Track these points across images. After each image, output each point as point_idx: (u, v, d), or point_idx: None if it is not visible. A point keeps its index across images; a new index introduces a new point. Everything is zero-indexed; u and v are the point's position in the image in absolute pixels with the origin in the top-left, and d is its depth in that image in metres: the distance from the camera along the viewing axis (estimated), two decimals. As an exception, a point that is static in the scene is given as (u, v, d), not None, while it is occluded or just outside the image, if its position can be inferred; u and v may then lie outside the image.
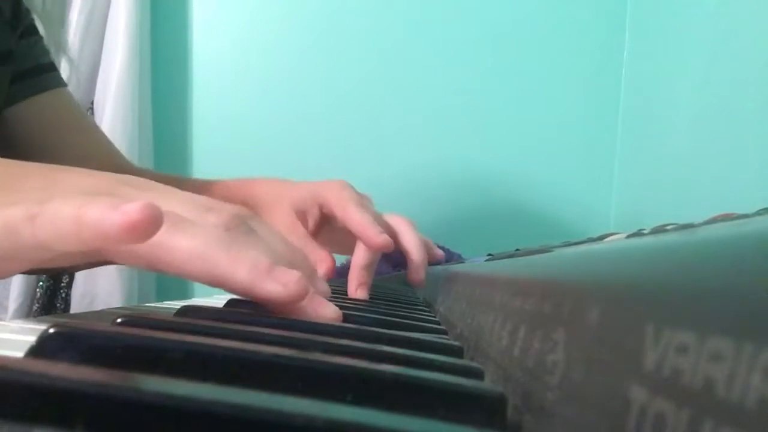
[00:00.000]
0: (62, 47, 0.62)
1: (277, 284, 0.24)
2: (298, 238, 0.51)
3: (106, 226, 0.20)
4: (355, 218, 0.47)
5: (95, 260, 0.25)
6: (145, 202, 0.20)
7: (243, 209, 0.29)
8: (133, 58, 1.05)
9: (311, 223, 0.54)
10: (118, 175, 0.28)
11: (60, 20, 0.60)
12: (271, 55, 1.17)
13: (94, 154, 0.65)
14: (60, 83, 0.63)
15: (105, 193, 0.25)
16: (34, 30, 0.60)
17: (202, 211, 0.27)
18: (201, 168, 1.16)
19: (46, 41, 0.60)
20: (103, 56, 1.07)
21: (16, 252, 0.23)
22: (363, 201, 0.50)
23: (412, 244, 0.51)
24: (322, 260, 0.49)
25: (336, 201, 0.50)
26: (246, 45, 1.18)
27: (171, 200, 0.27)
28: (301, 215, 0.54)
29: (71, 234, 0.21)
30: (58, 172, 0.28)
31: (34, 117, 0.61)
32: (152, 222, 0.20)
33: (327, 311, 0.26)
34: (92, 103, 1.07)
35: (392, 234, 0.50)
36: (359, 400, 0.14)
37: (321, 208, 0.53)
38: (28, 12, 0.59)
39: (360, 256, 0.46)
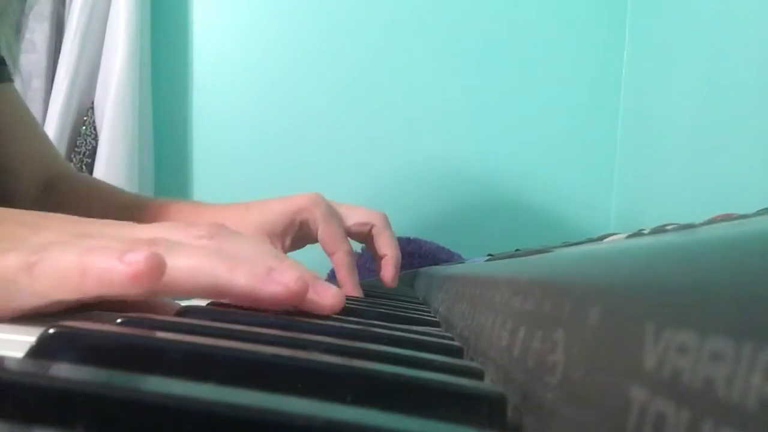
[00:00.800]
0: (11, 48, 0.60)
1: (277, 285, 0.25)
2: None
3: (113, 277, 0.21)
4: (341, 262, 0.50)
5: (90, 302, 0.25)
6: (149, 251, 0.21)
7: (215, 224, 0.29)
8: (133, 58, 1.05)
9: (288, 242, 0.53)
10: (98, 224, 0.28)
11: (13, 22, 0.58)
12: (271, 55, 1.17)
13: (37, 151, 0.62)
14: (8, 78, 0.60)
15: (94, 237, 0.25)
16: None
17: (183, 229, 0.28)
18: (201, 168, 1.16)
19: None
20: (103, 56, 1.07)
21: (10, 302, 0.23)
22: (335, 214, 0.52)
23: (386, 243, 0.53)
24: None
25: (317, 219, 0.52)
26: (246, 45, 1.18)
27: (152, 229, 0.28)
28: (275, 237, 0.52)
29: (73, 283, 0.21)
30: (39, 217, 0.28)
31: None
32: (156, 270, 0.21)
33: (330, 294, 0.27)
34: (92, 103, 1.07)
35: (368, 232, 0.53)
36: (359, 400, 0.14)
37: (302, 225, 0.53)
38: None
39: (343, 260, 0.49)
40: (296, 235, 0.53)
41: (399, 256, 0.54)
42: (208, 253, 0.25)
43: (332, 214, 0.52)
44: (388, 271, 0.53)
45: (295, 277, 0.25)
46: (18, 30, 0.60)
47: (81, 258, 0.21)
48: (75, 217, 0.28)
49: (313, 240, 0.53)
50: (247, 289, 0.25)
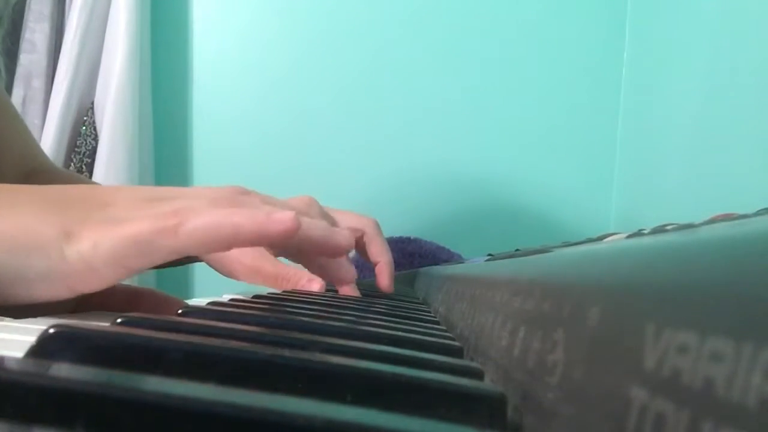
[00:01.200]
0: None
1: (278, 224, 0.28)
2: (272, 264, 0.49)
3: (270, 231, 0.27)
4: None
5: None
6: (291, 213, 0.27)
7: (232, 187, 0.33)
8: (133, 58, 1.05)
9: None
10: (153, 190, 0.31)
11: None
12: (271, 55, 1.17)
13: (17, 143, 0.61)
14: None
15: (169, 198, 0.29)
16: None
17: (221, 189, 0.31)
18: (201, 167, 1.16)
19: None
20: (103, 56, 1.07)
21: (138, 262, 0.26)
22: (328, 216, 0.52)
23: (379, 251, 0.54)
24: (310, 279, 0.48)
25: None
26: (246, 45, 1.18)
27: (216, 191, 0.31)
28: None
29: (221, 240, 0.26)
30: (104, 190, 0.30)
31: None
32: (297, 228, 0.27)
33: (342, 236, 0.33)
34: (92, 103, 1.07)
35: (359, 239, 0.54)
36: (359, 400, 0.14)
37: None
38: None
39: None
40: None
41: (392, 261, 0.55)
42: (217, 211, 0.28)
43: (325, 215, 0.52)
44: (384, 279, 0.53)
45: (290, 215, 0.28)
46: (15, 28, 0.60)
47: (228, 217, 0.26)
48: (126, 187, 0.30)
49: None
50: (254, 231, 0.28)
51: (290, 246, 0.35)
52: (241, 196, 0.31)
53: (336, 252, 0.34)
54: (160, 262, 0.27)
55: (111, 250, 0.25)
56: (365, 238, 0.55)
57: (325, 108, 1.16)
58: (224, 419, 0.11)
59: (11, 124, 0.64)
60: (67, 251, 0.25)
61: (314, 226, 0.33)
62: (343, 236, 0.34)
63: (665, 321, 0.10)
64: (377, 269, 0.54)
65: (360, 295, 0.46)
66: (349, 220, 0.54)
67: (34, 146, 0.67)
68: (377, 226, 0.56)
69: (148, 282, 1.08)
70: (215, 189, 0.31)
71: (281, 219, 0.27)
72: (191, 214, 0.26)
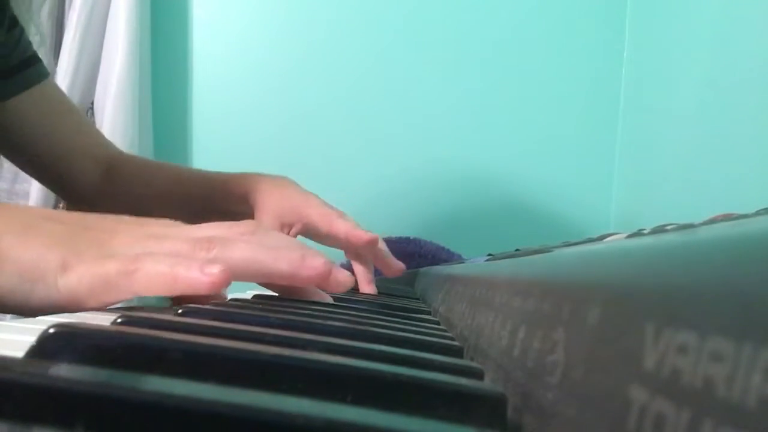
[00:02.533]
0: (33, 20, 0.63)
1: (311, 269, 0.33)
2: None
3: (197, 285, 0.28)
4: (341, 228, 0.56)
5: None
6: (223, 267, 0.29)
7: (252, 222, 0.38)
8: (133, 58, 1.05)
9: (292, 233, 0.59)
10: (160, 225, 0.34)
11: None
12: (272, 55, 1.17)
13: (86, 139, 0.68)
14: (46, 73, 0.65)
15: (162, 237, 0.32)
16: (16, 21, 0.60)
17: (230, 227, 0.35)
18: (201, 167, 1.16)
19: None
20: (103, 56, 1.07)
21: (107, 298, 0.29)
22: (341, 214, 0.58)
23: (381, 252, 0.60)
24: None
25: (319, 217, 0.57)
26: (246, 45, 1.18)
27: (208, 229, 0.35)
28: (283, 226, 0.59)
29: (166, 288, 0.29)
30: (112, 221, 0.34)
31: (30, 109, 0.62)
32: (228, 280, 0.29)
33: (342, 276, 0.37)
34: (92, 103, 1.07)
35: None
36: (359, 400, 0.14)
37: (305, 224, 0.58)
38: (7, 3, 0.58)
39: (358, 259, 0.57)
40: (299, 231, 0.60)
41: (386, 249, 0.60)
42: (255, 247, 0.33)
43: (336, 213, 0.58)
44: (390, 266, 0.59)
45: (322, 262, 0.34)
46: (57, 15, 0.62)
47: (172, 269, 0.28)
48: (141, 219, 0.35)
49: (323, 237, 0.59)
50: (288, 274, 0.33)
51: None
52: (223, 240, 0.33)
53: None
54: (122, 298, 0.29)
55: (88, 285, 0.29)
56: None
57: (325, 108, 1.16)
58: (224, 419, 0.11)
59: (83, 123, 0.70)
60: (60, 282, 0.29)
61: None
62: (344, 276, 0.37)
63: (665, 321, 0.10)
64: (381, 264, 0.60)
65: (376, 292, 0.52)
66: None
67: (104, 139, 0.73)
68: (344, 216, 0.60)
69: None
70: (208, 227, 0.35)
71: (208, 278, 0.29)
72: (149, 261, 0.29)
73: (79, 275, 0.29)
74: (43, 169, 0.67)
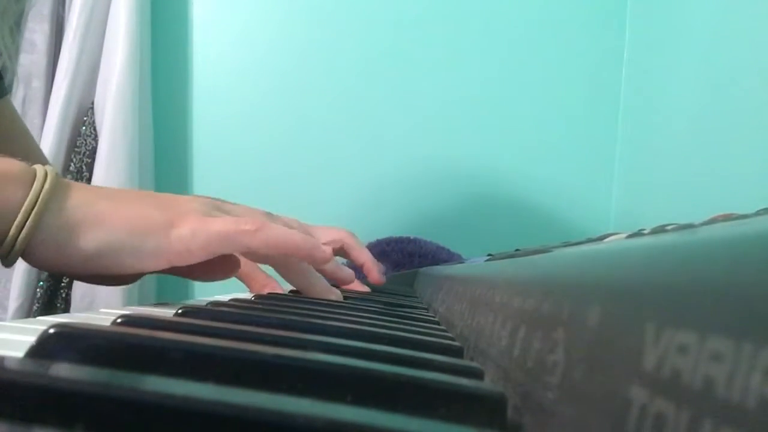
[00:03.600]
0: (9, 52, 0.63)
1: (323, 252, 0.40)
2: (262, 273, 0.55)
3: (317, 256, 0.39)
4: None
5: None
6: (330, 248, 0.40)
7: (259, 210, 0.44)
8: (133, 58, 1.05)
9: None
10: (216, 201, 0.40)
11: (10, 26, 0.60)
12: (272, 55, 1.17)
13: (36, 162, 0.66)
14: (6, 91, 0.63)
15: (229, 211, 0.39)
16: None
17: (258, 211, 0.42)
18: (201, 168, 1.16)
19: None
20: (103, 56, 1.07)
21: (222, 250, 0.35)
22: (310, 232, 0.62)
23: (359, 254, 0.64)
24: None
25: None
26: (246, 45, 1.18)
27: (255, 212, 0.42)
28: None
29: (282, 249, 0.37)
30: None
31: None
32: (329, 257, 0.40)
33: (345, 273, 0.46)
34: (92, 103, 1.07)
35: (339, 248, 0.64)
36: (359, 400, 0.14)
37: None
38: None
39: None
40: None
41: (373, 258, 0.64)
42: (285, 227, 0.39)
43: (306, 233, 0.59)
44: (373, 275, 0.62)
45: (329, 248, 0.41)
46: (18, 31, 0.61)
47: (292, 236, 0.37)
48: (201, 197, 0.39)
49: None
50: (306, 252, 0.39)
51: (276, 257, 0.43)
52: (273, 218, 0.41)
53: (316, 261, 0.41)
54: (237, 250, 0.37)
55: (205, 238, 0.34)
56: (345, 248, 0.64)
57: (324, 108, 1.16)
58: (224, 419, 0.11)
59: (29, 145, 0.70)
60: (172, 235, 0.33)
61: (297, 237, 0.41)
62: (322, 250, 0.41)
63: (665, 321, 0.10)
64: (364, 269, 0.63)
65: (369, 290, 0.53)
66: (328, 234, 0.63)
67: (47, 163, 0.70)
68: (353, 236, 0.65)
69: (149, 282, 1.08)
70: (249, 209, 0.42)
71: (325, 250, 0.39)
72: (266, 226, 0.36)
73: (192, 230, 0.34)
74: None
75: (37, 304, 1.01)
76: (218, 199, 0.40)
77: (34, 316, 0.47)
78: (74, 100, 1.05)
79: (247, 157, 1.16)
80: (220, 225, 0.34)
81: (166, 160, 1.15)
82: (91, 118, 1.06)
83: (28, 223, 0.30)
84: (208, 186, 1.16)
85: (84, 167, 1.05)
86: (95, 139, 1.05)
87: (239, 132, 1.16)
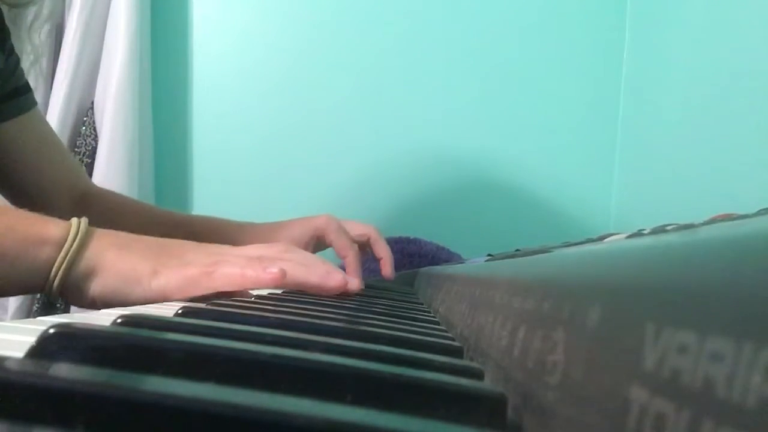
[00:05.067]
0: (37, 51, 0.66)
1: (334, 282, 0.44)
2: None
3: (262, 280, 0.40)
4: (345, 247, 0.68)
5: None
6: (279, 268, 0.41)
7: (284, 243, 0.51)
8: (133, 58, 1.05)
9: (310, 249, 0.69)
10: (214, 247, 0.46)
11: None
12: (272, 54, 1.17)
13: (65, 171, 0.71)
14: (35, 103, 0.67)
15: (226, 255, 0.43)
16: (13, 50, 0.63)
17: (271, 248, 0.47)
18: (201, 168, 1.16)
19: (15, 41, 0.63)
20: (103, 56, 1.07)
21: (191, 292, 0.40)
22: (343, 229, 0.69)
23: (381, 248, 0.72)
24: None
25: (333, 234, 0.68)
26: (246, 45, 1.18)
27: (254, 249, 0.46)
28: (302, 246, 0.68)
29: (237, 284, 0.40)
30: (179, 246, 0.45)
31: (17, 136, 0.64)
32: (283, 278, 0.41)
33: (357, 284, 0.47)
34: (92, 103, 1.07)
35: (366, 241, 0.72)
36: (359, 400, 0.14)
37: (318, 238, 0.69)
38: (9, 31, 0.61)
39: (352, 261, 0.68)
40: (315, 244, 0.69)
41: (392, 256, 0.73)
42: (293, 264, 0.44)
43: (341, 228, 0.68)
44: (387, 269, 0.71)
45: (341, 276, 0.45)
46: (35, 38, 0.64)
47: (242, 270, 0.41)
48: (197, 243, 0.45)
49: (325, 247, 0.70)
50: (317, 283, 0.44)
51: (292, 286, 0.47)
52: (268, 258, 0.45)
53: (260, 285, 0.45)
54: (204, 292, 0.40)
55: (176, 283, 0.40)
56: (370, 241, 0.72)
57: (325, 108, 1.16)
58: (224, 419, 0.11)
59: (60, 154, 0.72)
60: (153, 284, 0.40)
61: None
62: (326, 279, 0.46)
63: (665, 321, 0.10)
64: (381, 263, 0.72)
65: (363, 285, 0.57)
66: (358, 228, 0.71)
67: (78, 170, 0.77)
68: (378, 231, 0.73)
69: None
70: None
71: (270, 275, 0.41)
72: (221, 265, 0.41)
73: (167, 278, 0.40)
74: (20, 194, 0.67)
75: (37, 304, 1.01)
76: (222, 248, 0.46)
77: (34, 316, 0.48)
78: (74, 100, 1.05)
79: (247, 156, 1.16)
80: (189, 271, 0.40)
81: (166, 160, 1.15)
82: (91, 118, 1.06)
83: (59, 274, 0.39)
84: (207, 185, 1.16)
85: (84, 167, 1.05)
86: (95, 139, 1.05)
87: (239, 132, 1.16)
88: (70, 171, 0.72)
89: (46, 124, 0.71)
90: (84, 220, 0.41)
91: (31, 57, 0.65)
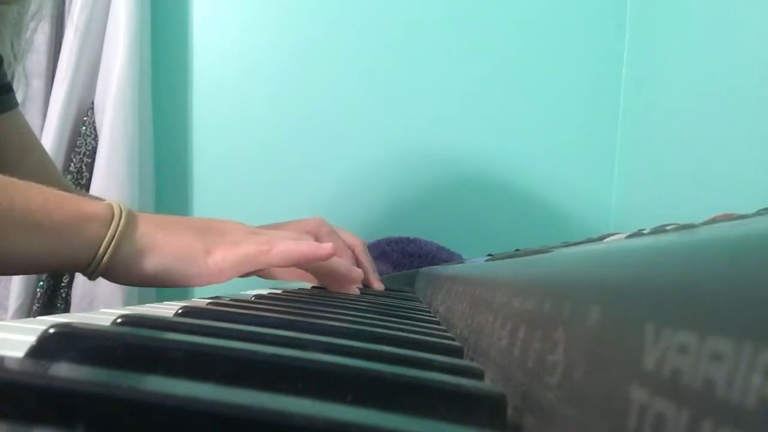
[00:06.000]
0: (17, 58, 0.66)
1: (324, 249, 0.47)
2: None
3: (319, 253, 0.46)
4: (339, 248, 0.68)
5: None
6: (330, 244, 0.48)
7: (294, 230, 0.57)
8: (133, 58, 1.05)
9: None
10: (248, 226, 0.49)
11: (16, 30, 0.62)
12: (272, 54, 1.17)
13: (43, 171, 0.70)
14: (16, 103, 0.67)
15: (268, 234, 0.48)
16: None
17: (297, 230, 0.54)
18: (201, 167, 1.16)
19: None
20: (103, 56, 1.07)
21: (248, 269, 0.44)
22: (335, 232, 0.70)
23: (365, 263, 0.70)
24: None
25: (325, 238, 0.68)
26: (246, 44, 1.18)
27: (287, 230, 0.52)
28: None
29: (293, 259, 0.46)
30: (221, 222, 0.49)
31: (2, 134, 0.64)
32: (335, 251, 0.48)
33: (354, 274, 0.54)
34: (92, 103, 1.07)
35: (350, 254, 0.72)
36: (359, 400, 0.14)
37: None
38: None
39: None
40: None
41: (376, 270, 0.72)
42: (300, 240, 0.49)
43: (333, 231, 0.68)
44: (374, 283, 0.69)
45: (330, 245, 0.48)
46: (19, 37, 0.63)
47: (297, 246, 0.46)
48: (232, 221, 0.48)
49: None
50: (311, 253, 0.47)
51: (321, 271, 0.52)
52: (303, 234, 0.52)
53: (322, 258, 0.49)
54: (259, 269, 0.45)
55: (233, 261, 0.43)
56: (355, 252, 0.72)
57: (325, 107, 1.16)
58: (224, 419, 0.11)
59: (40, 156, 0.73)
60: (209, 261, 0.43)
61: (340, 264, 0.53)
62: (351, 270, 0.52)
63: (665, 321, 0.10)
64: (368, 280, 0.70)
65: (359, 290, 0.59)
66: (347, 237, 0.70)
67: (57, 173, 0.76)
68: (365, 245, 0.72)
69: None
70: (294, 225, 0.56)
71: (326, 248, 0.47)
72: (277, 243, 0.45)
73: (223, 255, 0.43)
74: None
75: (37, 304, 1.01)
76: (258, 227, 0.50)
77: (34, 316, 0.48)
78: (74, 100, 1.05)
79: (247, 157, 1.16)
80: (244, 249, 0.44)
81: (166, 159, 1.15)
82: (91, 118, 1.06)
83: (109, 251, 0.40)
84: (207, 185, 1.16)
85: (84, 167, 1.05)
86: (95, 139, 1.05)
87: (239, 132, 1.16)
88: (51, 175, 0.71)
89: (28, 126, 0.70)
90: (123, 202, 0.42)
91: (16, 55, 0.65)
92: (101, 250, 0.40)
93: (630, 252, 0.13)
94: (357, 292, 0.56)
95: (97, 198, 0.66)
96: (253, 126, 1.16)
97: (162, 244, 0.42)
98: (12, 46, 0.63)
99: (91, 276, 0.41)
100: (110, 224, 0.40)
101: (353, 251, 0.70)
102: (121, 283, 0.43)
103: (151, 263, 0.41)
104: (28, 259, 0.38)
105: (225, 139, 1.16)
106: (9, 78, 0.65)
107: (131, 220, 0.41)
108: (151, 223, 0.43)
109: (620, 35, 1.14)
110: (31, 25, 0.71)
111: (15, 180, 0.38)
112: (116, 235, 0.40)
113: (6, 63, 0.64)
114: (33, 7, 0.63)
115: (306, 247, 0.45)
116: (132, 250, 0.41)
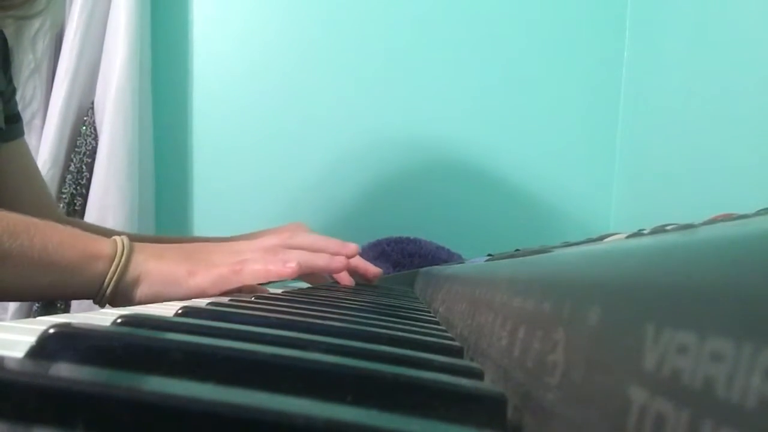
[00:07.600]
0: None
1: (338, 263, 0.56)
2: None
3: (283, 273, 0.50)
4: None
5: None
6: (296, 261, 0.51)
7: (286, 231, 0.61)
8: (133, 58, 1.05)
9: None
10: (232, 245, 0.54)
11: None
12: (272, 54, 1.17)
13: (39, 201, 0.72)
14: (22, 132, 0.69)
15: (246, 252, 0.52)
16: (12, 80, 0.65)
17: (278, 237, 0.55)
18: (201, 167, 1.16)
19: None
20: (103, 56, 1.07)
21: (221, 288, 0.48)
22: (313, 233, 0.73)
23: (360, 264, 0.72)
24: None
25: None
26: (246, 45, 1.18)
27: (270, 240, 0.54)
28: None
29: (262, 278, 0.49)
30: (203, 247, 0.54)
31: (6, 161, 0.66)
32: (300, 271, 0.51)
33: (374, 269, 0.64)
34: (92, 103, 1.07)
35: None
36: (359, 400, 0.14)
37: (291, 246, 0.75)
38: (11, 60, 0.64)
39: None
40: None
41: (352, 281, 0.70)
42: (300, 252, 0.54)
43: (314, 234, 0.69)
44: (370, 271, 0.68)
45: (343, 258, 0.56)
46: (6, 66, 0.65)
47: (265, 266, 0.50)
48: (217, 243, 0.56)
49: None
50: (324, 267, 0.56)
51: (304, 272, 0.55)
52: (281, 248, 0.53)
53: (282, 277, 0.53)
54: (234, 287, 0.48)
55: (211, 281, 0.48)
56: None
57: (326, 107, 1.16)
58: (224, 419, 0.11)
59: (39, 185, 0.75)
60: (191, 282, 0.48)
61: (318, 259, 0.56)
62: (332, 260, 0.56)
63: (665, 321, 0.10)
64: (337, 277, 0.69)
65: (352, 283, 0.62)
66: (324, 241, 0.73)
67: (53, 201, 0.79)
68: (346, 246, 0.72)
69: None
70: (263, 241, 0.54)
71: (290, 270, 0.51)
72: (247, 264, 0.49)
73: (202, 277, 0.48)
74: None
75: (37, 304, 1.01)
76: (240, 245, 0.54)
77: (34, 316, 0.48)
78: (74, 100, 1.05)
79: (247, 157, 1.16)
80: (218, 270, 0.48)
81: (165, 159, 1.15)
82: (91, 118, 1.06)
83: (111, 285, 0.46)
84: (207, 185, 1.16)
85: (84, 167, 1.05)
86: (95, 138, 1.05)
87: (239, 131, 1.16)
88: (49, 205, 0.74)
89: (31, 155, 0.73)
90: (126, 238, 0.48)
91: (32, 65, 0.67)
92: (105, 284, 0.46)
93: (630, 252, 0.13)
94: (351, 281, 0.61)
95: (100, 229, 0.70)
96: (252, 126, 1.16)
97: (152, 271, 0.48)
98: (31, 55, 0.66)
99: (99, 304, 0.47)
100: (113, 261, 0.47)
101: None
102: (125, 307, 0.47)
103: (143, 290, 0.47)
104: (41, 290, 0.45)
105: (225, 139, 1.16)
106: (19, 108, 0.67)
107: (130, 255, 0.48)
108: (146, 253, 0.49)
109: (620, 37, 1.14)
110: (48, 36, 0.73)
111: (36, 220, 0.44)
112: (117, 271, 0.46)
113: (27, 72, 0.66)
114: (49, 22, 0.66)
115: (273, 267, 0.50)
116: (129, 280, 0.47)
